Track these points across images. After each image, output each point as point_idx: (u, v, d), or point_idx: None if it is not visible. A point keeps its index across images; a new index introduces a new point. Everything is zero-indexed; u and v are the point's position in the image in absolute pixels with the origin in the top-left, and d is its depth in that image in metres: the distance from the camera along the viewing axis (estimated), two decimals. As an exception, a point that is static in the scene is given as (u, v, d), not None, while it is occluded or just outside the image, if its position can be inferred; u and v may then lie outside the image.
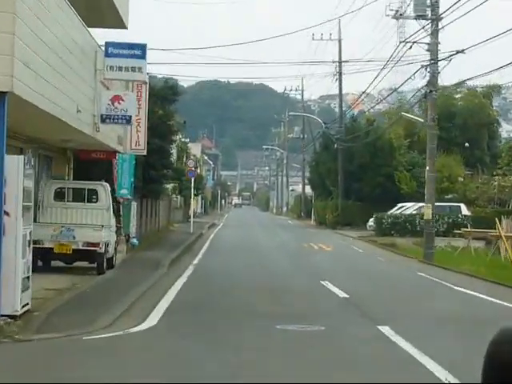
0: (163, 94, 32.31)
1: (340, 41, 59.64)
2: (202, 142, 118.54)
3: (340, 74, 61.77)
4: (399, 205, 53.87)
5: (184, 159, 65.62)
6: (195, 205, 79.82)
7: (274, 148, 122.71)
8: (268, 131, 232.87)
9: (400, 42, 33.44)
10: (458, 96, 69.68)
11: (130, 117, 20.78)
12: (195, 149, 77.59)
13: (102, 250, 21.28)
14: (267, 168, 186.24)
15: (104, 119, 20.70)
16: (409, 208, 50.84)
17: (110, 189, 23.11)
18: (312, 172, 70.56)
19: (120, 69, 20.55)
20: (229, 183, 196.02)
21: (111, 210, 22.82)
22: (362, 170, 60.89)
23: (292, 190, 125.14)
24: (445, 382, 9.61)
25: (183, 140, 68.91)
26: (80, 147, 26.02)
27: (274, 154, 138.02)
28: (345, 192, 61.72)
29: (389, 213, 51.33)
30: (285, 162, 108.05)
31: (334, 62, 62.03)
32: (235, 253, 32.47)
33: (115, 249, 23.45)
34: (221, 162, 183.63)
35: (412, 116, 46.41)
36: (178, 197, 60.52)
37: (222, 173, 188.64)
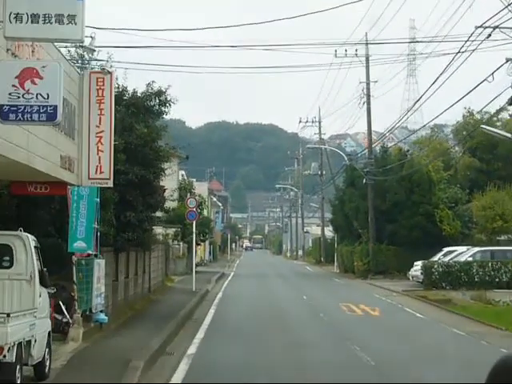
0: (146, 104, 22.47)
1: (368, 58, 49.78)
2: (210, 184, 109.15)
3: (368, 96, 51.93)
4: (445, 249, 43.69)
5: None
6: (202, 251, 69.64)
7: (288, 187, 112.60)
8: (278, 172, 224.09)
9: (476, 28, 23.54)
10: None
11: (55, 108, 10.82)
12: (201, 189, 67.67)
13: (10, 358, 11.25)
14: (279, 209, 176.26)
15: (5, 113, 10.77)
16: (462, 254, 40.62)
17: (34, 243, 13.11)
18: (335, 212, 60.43)
19: (34, 18, 10.68)
20: (239, 226, 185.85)
21: (36, 279, 12.81)
22: (396, 208, 50.73)
23: (306, 232, 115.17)
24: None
25: (185, 178, 59.02)
26: (12, 177, 16.30)
27: (287, 193, 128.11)
28: (376, 235, 51.53)
29: (437, 259, 41.11)
30: (300, 202, 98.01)
31: (360, 82, 52.25)
32: (252, 328, 22.24)
33: (48, 347, 13.35)
34: (230, 204, 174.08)
35: (496, 130, 36.21)
36: (181, 244, 50.49)
37: (231, 215, 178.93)
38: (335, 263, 65.59)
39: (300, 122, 78.14)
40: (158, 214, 52.08)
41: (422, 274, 38.91)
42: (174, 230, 51.04)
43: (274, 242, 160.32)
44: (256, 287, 40.57)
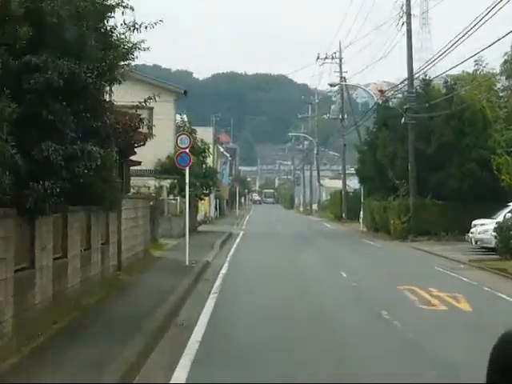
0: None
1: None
2: (218, 136, 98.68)
3: (409, 15, 41.25)
4: (512, 204, 33.46)
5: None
6: (207, 207, 59.42)
7: (302, 135, 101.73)
8: (288, 124, 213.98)
9: None
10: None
11: None
12: (205, 135, 57.25)
13: None
14: (289, 162, 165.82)
15: None
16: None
17: None
18: (363, 160, 50.03)
19: None
20: (248, 179, 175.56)
21: None
22: (443, 153, 40.37)
23: (320, 185, 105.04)
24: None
25: (185, 120, 48.65)
26: None
27: (300, 143, 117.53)
28: (418, 186, 41.26)
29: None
30: (315, 151, 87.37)
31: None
32: (280, 355, 11.90)
33: None
34: (239, 157, 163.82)
35: None
36: (178, 198, 40.30)
37: (240, 168, 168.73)
38: (361, 220, 55.41)
39: (318, 58, 67.33)
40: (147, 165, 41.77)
41: (495, 237, 28.56)
42: (169, 181, 40.92)
43: (285, 195, 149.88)
44: (272, 256, 30.30)
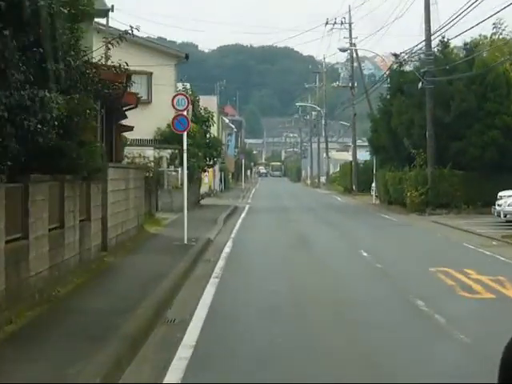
0: None
1: None
2: (224, 108, 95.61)
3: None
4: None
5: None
6: (211, 179, 56.48)
7: (309, 105, 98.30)
8: (294, 96, 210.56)
9: None
10: None
11: None
12: (209, 103, 54.17)
13: None
14: (296, 134, 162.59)
15: None
16: None
17: None
18: (376, 128, 46.93)
19: None
20: (254, 152, 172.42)
21: None
22: (463, 120, 37.28)
23: (328, 158, 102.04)
24: None
25: (187, 88, 45.58)
26: None
27: (307, 114, 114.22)
28: (436, 156, 38.20)
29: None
30: (323, 122, 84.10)
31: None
32: (302, 365, 9.11)
33: None
34: (245, 130, 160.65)
35: None
36: (179, 170, 37.24)
37: (246, 141, 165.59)
38: (373, 193, 52.40)
39: (327, 23, 63.95)
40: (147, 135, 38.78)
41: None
42: (169, 152, 37.93)
43: (292, 168, 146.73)
44: (282, 234, 27.27)
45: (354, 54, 61.10)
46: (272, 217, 36.06)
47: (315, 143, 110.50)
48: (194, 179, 41.05)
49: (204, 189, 55.66)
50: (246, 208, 43.42)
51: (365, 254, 20.03)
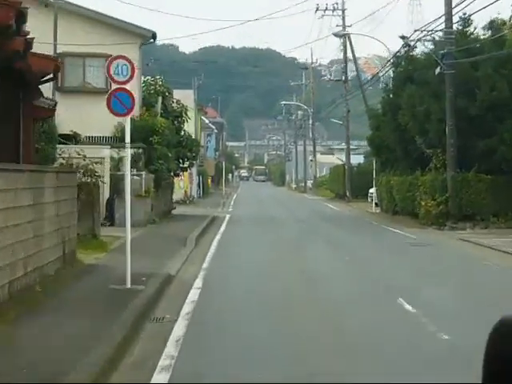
0: None
1: None
2: (203, 106, 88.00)
3: None
4: None
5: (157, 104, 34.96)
6: (187, 184, 49.03)
7: (296, 103, 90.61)
8: (277, 98, 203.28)
9: None
10: None
11: None
12: (185, 100, 46.65)
13: None
14: (279, 137, 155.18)
15: None
16: None
17: None
18: (377, 125, 39.64)
19: None
20: (236, 155, 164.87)
21: None
22: (493, 113, 30.03)
23: (311, 161, 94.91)
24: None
25: (157, 78, 38.09)
26: None
27: (292, 114, 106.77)
28: (458, 157, 30.91)
29: None
30: (310, 122, 76.59)
31: None
32: None
33: None
34: (227, 132, 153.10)
35: None
36: (143, 174, 29.68)
37: (228, 143, 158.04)
38: (372, 200, 45.11)
39: (317, 9, 56.43)
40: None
41: None
42: (132, 151, 30.27)
43: (275, 171, 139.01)
44: (273, 259, 19.58)
45: (348, 44, 53.70)
46: (257, 232, 28.53)
47: (300, 146, 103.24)
48: (164, 185, 33.54)
49: (178, 195, 48.19)
50: (226, 219, 35.90)
51: (408, 308, 12.48)
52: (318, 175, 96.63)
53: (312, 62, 77.05)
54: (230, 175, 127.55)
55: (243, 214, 41.10)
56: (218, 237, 25.64)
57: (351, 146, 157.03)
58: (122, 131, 31.43)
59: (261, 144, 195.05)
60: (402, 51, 36.85)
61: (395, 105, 35.85)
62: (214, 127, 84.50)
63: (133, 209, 27.87)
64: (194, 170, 54.75)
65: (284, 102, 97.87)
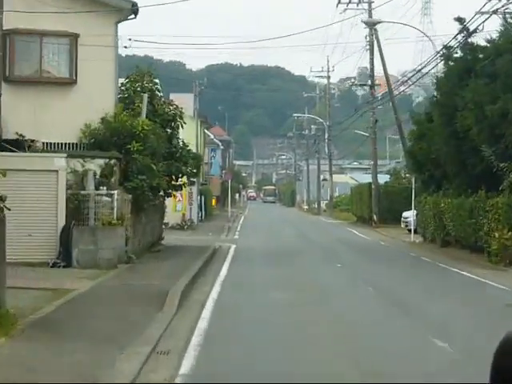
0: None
1: None
2: (213, 129, 79.71)
3: None
4: None
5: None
6: (184, 206, 40.63)
7: (310, 116, 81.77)
8: (285, 117, 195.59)
9: None
10: None
11: None
12: (184, 105, 38.22)
13: None
14: (286, 156, 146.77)
15: None
16: None
17: None
18: (420, 134, 31.12)
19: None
20: (243, 174, 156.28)
21: None
22: None
23: (324, 180, 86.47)
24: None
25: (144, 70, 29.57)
26: None
27: (302, 132, 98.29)
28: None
29: None
30: (326, 136, 67.90)
31: None
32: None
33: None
34: (234, 150, 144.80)
35: None
36: (115, 194, 20.97)
37: (235, 162, 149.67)
38: (408, 226, 36.56)
39: (339, 2, 47.67)
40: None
41: None
42: (101, 163, 21.75)
43: (285, 192, 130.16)
44: (320, 358, 10.81)
45: (376, 42, 45.18)
46: (275, 280, 19.57)
47: (312, 165, 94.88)
48: (149, 208, 24.94)
49: (175, 219, 39.71)
50: (231, 253, 27.18)
51: None
52: (331, 195, 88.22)
53: (328, 70, 68.47)
54: (238, 195, 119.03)
55: (252, 243, 32.46)
56: (216, 289, 16.97)
57: (363, 166, 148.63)
58: (92, 135, 23.05)
59: (269, 163, 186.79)
60: (457, 39, 28.27)
61: (449, 107, 27.26)
62: (219, 142, 75.92)
63: (101, 241, 19.38)
64: (194, 189, 46.21)
65: (296, 115, 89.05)
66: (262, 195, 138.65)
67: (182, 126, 29.54)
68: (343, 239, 35.84)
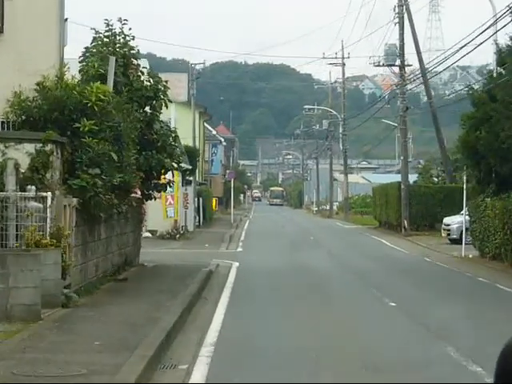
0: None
1: None
2: (209, 114, 71.66)
3: None
4: None
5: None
6: (177, 211, 32.92)
7: (322, 108, 73.51)
8: (291, 117, 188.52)
9: None
10: None
11: None
12: (175, 88, 30.44)
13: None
14: (294, 153, 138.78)
15: None
16: None
17: None
18: (479, 120, 23.29)
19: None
20: (248, 174, 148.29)
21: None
22: None
23: (335, 180, 79.11)
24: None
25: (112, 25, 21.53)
26: None
27: (312, 127, 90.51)
28: None
29: None
30: (340, 129, 59.87)
31: None
32: None
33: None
34: (238, 150, 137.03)
35: None
36: (48, 196, 13.25)
37: (239, 162, 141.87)
38: (455, 236, 28.74)
39: None
40: None
41: None
42: (31, 149, 13.92)
43: (292, 192, 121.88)
44: None
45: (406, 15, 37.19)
46: (299, 340, 11.75)
47: (322, 164, 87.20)
48: (110, 217, 17.04)
49: (165, 227, 32.03)
50: (231, 279, 19.18)
51: None
52: (339, 197, 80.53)
53: (343, 57, 60.49)
54: (242, 196, 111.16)
55: (260, 261, 24.60)
56: (200, 367, 9.10)
57: (371, 166, 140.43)
58: (23, 109, 15.15)
59: (274, 163, 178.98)
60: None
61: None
62: (221, 138, 67.93)
63: (11, 279, 11.65)
64: (190, 189, 38.39)
65: (307, 107, 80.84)
66: (268, 197, 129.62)
67: (165, 105, 21.64)
68: (376, 253, 27.84)
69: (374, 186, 49.17)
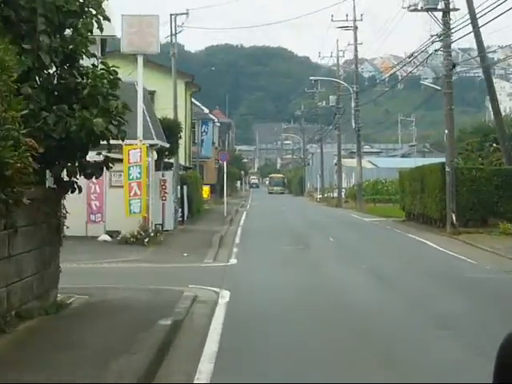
0: None
1: None
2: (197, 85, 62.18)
3: None
4: None
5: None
6: (144, 204, 23.14)
7: (331, 79, 63.24)
8: (289, 101, 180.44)
9: None
10: None
11: None
12: (143, 35, 21.28)
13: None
14: (290, 142, 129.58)
15: None
16: None
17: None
18: None
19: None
20: (245, 160, 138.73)
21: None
22: None
23: (335, 164, 70.00)
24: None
25: None
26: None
27: (316, 108, 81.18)
28: None
29: None
30: (353, 105, 50.22)
31: None
32: None
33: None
34: (235, 134, 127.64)
35: None
36: None
37: (236, 147, 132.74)
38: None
39: None
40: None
41: None
42: None
43: (293, 178, 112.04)
44: None
45: None
46: None
47: (325, 149, 78.02)
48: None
49: (130, 227, 22.68)
50: (214, 332, 9.87)
51: None
52: (346, 183, 71.36)
53: (354, 19, 50.98)
54: (239, 183, 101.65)
55: (265, 286, 15.21)
56: None
57: (373, 150, 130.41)
58: None
59: (272, 148, 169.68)
60: None
61: None
62: (214, 118, 58.23)
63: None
64: (169, 175, 28.93)
65: (313, 78, 70.77)
66: (267, 185, 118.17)
67: (99, 26, 12.11)
68: (434, 267, 18.38)
69: (400, 170, 39.54)
